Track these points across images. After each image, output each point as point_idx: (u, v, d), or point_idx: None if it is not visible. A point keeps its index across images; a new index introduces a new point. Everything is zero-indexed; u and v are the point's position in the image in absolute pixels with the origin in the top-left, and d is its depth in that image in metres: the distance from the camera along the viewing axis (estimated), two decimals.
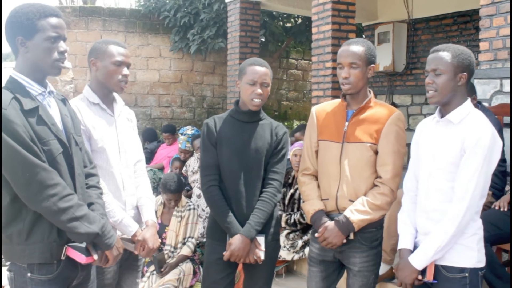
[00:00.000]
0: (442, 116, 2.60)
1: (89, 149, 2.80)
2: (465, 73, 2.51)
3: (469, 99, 2.59)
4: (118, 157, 2.96)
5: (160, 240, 3.21)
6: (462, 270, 2.50)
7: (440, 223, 2.50)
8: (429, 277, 2.54)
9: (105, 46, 2.93)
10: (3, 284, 3.60)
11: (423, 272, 2.56)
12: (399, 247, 2.73)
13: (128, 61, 2.98)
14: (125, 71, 2.94)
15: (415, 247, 2.65)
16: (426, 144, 2.66)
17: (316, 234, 2.92)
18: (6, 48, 2.39)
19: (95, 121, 2.89)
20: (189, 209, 4.99)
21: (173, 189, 4.89)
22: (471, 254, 2.50)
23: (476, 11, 6.04)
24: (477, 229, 2.54)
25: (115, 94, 3.06)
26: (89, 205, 2.42)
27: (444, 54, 2.53)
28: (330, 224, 2.88)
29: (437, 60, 2.54)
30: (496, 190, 3.75)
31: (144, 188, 3.13)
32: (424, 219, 2.62)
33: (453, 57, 2.51)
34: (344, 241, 2.87)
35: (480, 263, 2.52)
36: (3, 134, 2.10)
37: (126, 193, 2.99)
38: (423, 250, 2.54)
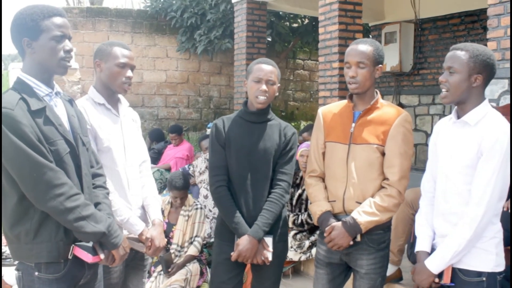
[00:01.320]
0: (458, 117, 2.56)
1: (95, 149, 2.82)
2: (481, 75, 2.46)
3: (486, 100, 2.54)
4: (124, 157, 2.98)
5: (166, 239, 3.22)
6: (479, 274, 2.46)
7: (457, 227, 2.46)
8: (446, 280, 2.51)
9: (109, 48, 2.95)
10: (11, 283, 3.62)
11: (440, 275, 2.53)
12: (416, 249, 2.70)
13: (132, 63, 3.00)
14: (129, 73, 2.96)
15: (432, 249, 2.62)
16: (443, 146, 2.62)
17: (325, 234, 2.92)
18: (15, 49, 2.41)
19: (101, 121, 2.92)
20: (196, 209, 5.01)
21: (179, 186, 4.91)
22: (489, 258, 2.46)
23: (483, 11, 6.02)
24: (496, 233, 2.49)
25: (119, 95, 3.08)
26: (96, 204, 2.43)
27: (461, 53, 2.48)
28: (337, 225, 2.87)
29: (453, 59, 2.50)
30: None
31: (149, 187, 3.15)
32: (442, 221, 2.59)
33: (470, 57, 2.46)
34: (351, 242, 2.86)
35: (498, 267, 2.48)
36: (10, 135, 2.11)
37: (132, 193, 3.00)
38: (440, 254, 2.51)
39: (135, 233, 2.94)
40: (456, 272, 2.50)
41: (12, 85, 2.30)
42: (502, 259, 2.51)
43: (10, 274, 2.35)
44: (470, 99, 2.50)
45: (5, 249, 4.62)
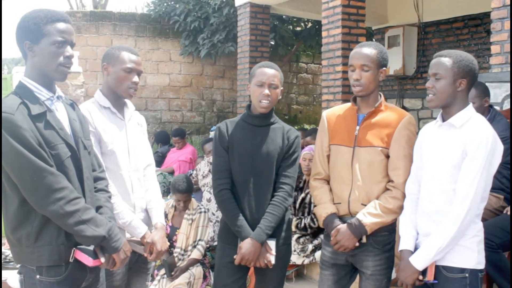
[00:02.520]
0: (444, 120, 2.67)
1: (99, 152, 2.83)
2: (465, 79, 2.58)
3: (471, 104, 2.66)
4: (128, 160, 2.98)
5: (168, 243, 3.22)
6: (462, 270, 2.54)
7: (441, 224, 2.54)
8: (429, 277, 2.58)
9: (117, 52, 2.96)
10: (15, 286, 3.62)
11: (424, 272, 2.61)
12: (400, 248, 2.76)
13: (139, 68, 3.00)
14: (135, 78, 2.97)
15: (415, 249, 2.69)
16: (429, 148, 2.70)
17: (331, 237, 2.92)
18: (19, 53, 2.42)
19: (106, 124, 2.92)
20: (200, 212, 5.01)
21: (182, 189, 4.91)
22: (471, 255, 2.55)
23: (487, 14, 6.01)
24: (477, 231, 2.58)
25: (126, 99, 3.08)
26: (98, 208, 2.44)
27: (445, 60, 2.61)
28: (342, 227, 2.88)
29: (438, 65, 2.63)
30: (508, 194, 3.71)
31: (153, 191, 3.15)
32: (426, 221, 2.66)
33: (454, 63, 2.58)
34: (357, 244, 2.87)
35: (479, 264, 2.57)
36: (10, 139, 2.12)
37: (135, 196, 3.01)
38: (425, 251, 2.59)
39: (137, 236, 2.94)
40: (439, 270, 2.58)
41: (14, 89, 2.31)
42: (483, 258, 2.60)
43: (13, 277, 2.35)
44: (455, 103, 2.62)
45: (8, 252, 4.63)
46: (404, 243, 2.74)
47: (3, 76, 9.22)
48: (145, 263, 3.15)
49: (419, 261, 2.59)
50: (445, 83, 2.59)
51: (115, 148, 2.92)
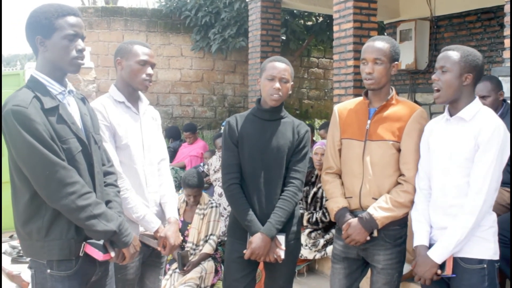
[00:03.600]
0: (451, 115, 2.68)
1: (113, 146, 2.84)
2: (471, 74, 2.61)
3: (477, 98, 2.68)
4: (142, 155, 2.99)
5: (182, 238, 3.22)
6: (480, 261, 2.56)
7: (458, 217, 2.56)
8: (448, 271, 2.59)
9: (130, 46, 2.98)
10: (29, 281, 3.65)
11: (442, 266, 2.61)
12: (414, 244, 2.76)
13: (153, 61, 3.02)
14: (149, 70, 2.98)
15: (430, 244, 2.71)
16: (439, 143, 2.71)
17: (342, 230, 2.92)
18: (30, 49, 2.43)
19: (120, 119, 2.93)
20: (212, 207, 5.02)
21: (192, 184, 4.92)
22: (489, 246, 2.58)
23: (500, 8, 5.96)
24: (493, 222, 2.62)
25: (140, 93, 3.10)
26: (107, 202, 2.45)
27: (452, 53, 2.64)
28: (353, 221, 2.89)
29: (445, 58, 2.66)
30: None
31: (167, 186, 3.16)
32: (441, 215, 2.67)
33: (461, 57, 2.62)
34: (368, 238, 2.87)
35: (496, 255, 2.59)
36: (23, 133, 2.12)
37: (149, 190, 3.01)
38: (443, 244, 2.60)
39: (150, 230, 2.95)
40: (457, 262, 2.60)
41: (26, 83, 2.32)
42: (498, 248, 2.62)
43: (28, 271, 2.37)
44: (462, 97, 2.65)
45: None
46: (419, 238, 2.75)
47: (15, 71, 9.28)
48: (159, 257, 3.16)
49: (437, 255, 2.61)
50: (451, 76, 2.62)
51: (129, 142, 2.93)
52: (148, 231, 2.97)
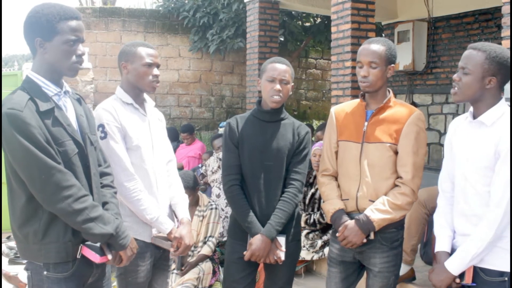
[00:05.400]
0: (474, 117, 2.54)
1: (124, 148, 2.83)
2: (495, 77, 2.42)
3: (503, 99, 2.50)
4: (152, 156, 2.98)
5: (197, 240, 3.20)
6: (501, 274, 2.43)
7: (477, 228, 2.44)
8: (467, 280, 2.49)
9: (134, 49, 2.94)
10: (25, 281, 3.64)
11: (462, 275, 2.51)
12: (436, 249, 2.67)
13: (158, 61, 2.99)
14: (156, 71, 2.96)
15: (452, 249, 2.61)
16: (459, 146, 2.60)
17: (337, 234, 2.92)
18: (28, 50, 2.40)
19: (130, 120, 2.91)
20: (211, 209, 5.01)
21: (185, 186, 4.90)
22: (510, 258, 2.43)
23: (498, 9, 5.96)
24: None
25: (145, 94, 3.08)
26: (104, 204, 2.44)
27: (477, 54, 2.45)
28: (350, 223, 2.87)
29: (468, 59, 2.47)
30: None
31: (177, 187, 3.15)
32: (464, 221, 2.56)
33: (485, 59, 2.42)
34: (364, 240, 2.86)
35: None
36: (19, 137, 2.11)
37: (160, 191, 2.99)
38: (460, 255, 2.49)
39: (164, 232, 2.92)
40: (477, 272, 2.48)
41: (21, 84, 2.29)
42: None
43: (25, 272, 2.37)
44: (485, 99, 2.48)
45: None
46: (441, 244, 2.65)
47: (13, 72, 9.26)
48: (167, 260, 3.14)
49: (454, 266, 2.50)
50: (471, 79, 2.43)
51: (140, 143, 2.91)
52: (160, 233, 2.94)
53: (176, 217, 3.10)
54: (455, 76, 2.52)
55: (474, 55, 2.45)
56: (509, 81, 2.52)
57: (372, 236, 2.87)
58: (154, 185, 2.96)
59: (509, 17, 4.26)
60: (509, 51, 2.48)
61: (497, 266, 2.44)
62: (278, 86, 3.02)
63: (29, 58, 24.36)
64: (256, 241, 2.97)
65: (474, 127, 2.53)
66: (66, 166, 2.22)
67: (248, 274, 3.12)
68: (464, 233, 2.54)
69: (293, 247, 3.15)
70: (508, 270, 2.42)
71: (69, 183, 2.20)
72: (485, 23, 8.41)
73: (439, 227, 2.70)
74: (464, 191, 2.55)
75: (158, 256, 3.02)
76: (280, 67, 3.06)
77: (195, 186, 5.00)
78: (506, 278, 2.42)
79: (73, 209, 2.19)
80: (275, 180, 3.06)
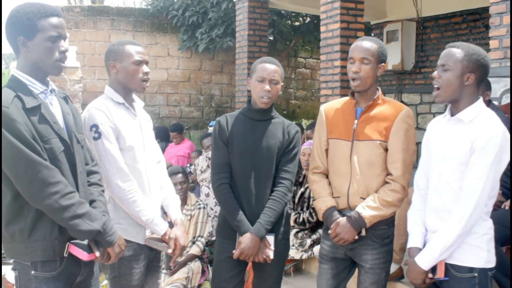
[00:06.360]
0: (452, 115, 2.59)
1: (117, 148, 2.80)
2: (473, 74, 2.49)
3: (481, 99, 2.56)
4: (144, 156, 2.94)
5: (189, 239, 3.19)
6: (471, 269, 2.48)
7: (446, 222, 2.49)
8: (440, 275, 2.52)
9: (122, 48, 2.90)
10: (12, 281, 3.61)
11: (434, 270, 2.54)
12: (408, 245, 2.71)
13: (146, 58, 2.96)
14: (145, 68, 2.93)
15: (424, 246, 2.64)
16: (436, 143, 2.64)
17: (329, 231, 2.93)
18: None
19: (123, 120, 2.88)
20: (199, 208, 4.99)
21: (176, 170, 4.91)
22: (480, 254, 2.48)
23: (485, 9, 6.00)
24: (487, 229, 2.52)
25: (133, 94, 3.04)
26: (91, 202, 2.43)
27: (456, 51, 2.52)
28: (342, 220, 2.89)
29: (447, 56, 2.54)
30: (506, 189, 3.71)
31: (168, 188, 3.12)
32: (434, 217, 2.61)
33: (464, 56, 2.49)
34: (356, 237, 2.87)
35: (490, 263, 2.50)
36: (5, 133, 2.10)
37: (152, 192, 2.97)
38: (429, 250, 2.53)
39: (158, 234, 2.90)
40: (448, 268, 2.52)
41: (7, 83, 2.29)
42: (493, 256, 2.53)
43: (12, 272, 2.35)
44: (464, 97, 2.53)
45: None
46: (413, 240, 2.69)
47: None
48: (158, 261, 3.11)
49: (424, 261, 2.53)
50: (451, 75, 2.50)
51: (133, 143, 2.87)
52: (154, 234, 2.92)
53: (168, 218, 3.08)
54: (434, 74, 2.58)
55: (453, 52, 2.52)
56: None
57: (363, 233, 2.88)
58: (147, 185, 2.93)
59: (496, 18, 4.29)
60: (484, 51, 2.56)
61: (467, 262, 2.48)
62: (267, 87, 3.01)
63: (15, 58, 24.18)
64: (245, 240, 2.96)
65: (452, 124, 2.58)
66: (52, 163, 2.22)
67: (237, 274, 3.12)
68: (435, 230, 2.58)
69: (282, 246, 3.15)
70: (478, 266, 2.47)
71: (56, 179, 2.19)
72: (473, 23, 8.48)
73: (412, 223, 2.74)
74: (438, 187, 2.59)
75: (152, 258, 3.00)
76: (270, 67, 3.05)
77: (185, 173, 5.02)
78: (476, 274, 2.47)
79: (60, 205, 2.18)
80: (265, 179, 3.06)
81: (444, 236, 2.47)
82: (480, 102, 2.55)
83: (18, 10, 2.26)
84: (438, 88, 2.57)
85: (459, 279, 2.50)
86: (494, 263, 2.53)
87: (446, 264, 2.52)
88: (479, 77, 2.52)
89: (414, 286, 2.67)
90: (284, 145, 3.10)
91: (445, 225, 2.48)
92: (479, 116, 2.50)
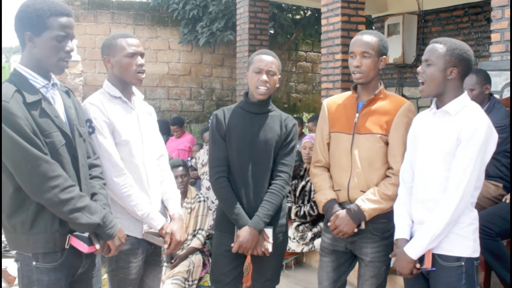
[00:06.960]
0: (438, 108, 2.64)
1: (113, 142, 2.79)
2: (456, 68, 2.56)
3: (465, 92, 2.63)
4: (141, 150, 2.93)
5: (186, 234, 3.19)
6: (458, 259, 2.52)
7: (435, 211, 2.53)
8: (427, 265, 2.56)
9: (114, 41, 2.89)
10: (15, 275, 3.62)
11: (421, 260, 2.59)
12: (395, 237, 2.75)
13: (141, 50, 2.94)
14: (140, 60, 2.91)
15: (411, 237, 2.68)
16: (423, 134, 2.69)
17: (329, 223, 2.94)
18: (18, 42, 2.39)
19: (118, 114, 2.87)
20: (199, 201, 5.00)
21: (177, 163, 4.93)
22: (467, 244, 2.53)
23: (487, 2, 5.99)
24: (473, 219, 2.57)
25: (133, 87, 3.03)
26: (92, 195, 2.45)
27: (439, 46, 2.59)
28: (341, 212, 2.90)
29: (430, 51, 2.60)
30: (507, 182, 3.72)
31: (168, 182, 3.11)
32: (421, 209, 2.65)
33: (447, 51, 2.56)
34: (356, 230, 2.88)
35: (475, 253, 2.56)
36: (5, 127, 2.11)
37: (151, 186, 2.95)
38: (418, 239, 2.57)
39: (155, 228, 2.89)
40: (435, 258, 2.57)
41: (9, 76, 2.29)
42: (478, 246, 2.58)
43: (13, 265, 2.37)
44: (448, 91, 2.60)
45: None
46: (400, 232, 2.73)
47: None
48: (158, 255, 3.11)
49: (413, 251, 2.57)
50: (435, 70, 2.57)
51: (129, 138, 2.86)
52: (152, 229, 2.91)
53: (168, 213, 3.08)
54: (419, 69, 2.65)
55: (436, 47, 2.59)
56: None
57: (363, 226, 2.90)
58: (145, 180, 2.92)
59: (498, 11, 4.28)
60: (467, 46, 2.62)
61: (454, 252, 2.53)
62: (264, 77, 3.01)
63: (16, 51, 24.19)
64: (243, 233, 2.97)
65: (438, 116, 2.63)
66: (53, 157, 2.23)
67: (235, 267, 3.12)
68: (421, 221, 2.62)
69: (281, 239, 3.16)
70: (465, 255, 2.52)
71: (56, 173, 2.20)
72: (474, 16, 8.45)
73: (398, 216, 2.77)
74: (424, 178, 2.63)
75: (150, 252, 3.00)
76: (267, 58, 3.06)
77: (186, 165, 5.04)
78: (463, 263, 2.52)
79: (59, 199, 2.20)
80: (263, 172, 3.07)
81: (432, 226, 2.51)
82: (465, 95, 2.61)
83: (28, 5, 2.26)
84: (423, 83, 2.63)
85: (446, 269, 2.54)
86: (479, 253, 2.59)
87: (433, 254, 2.57)
88: (461, 71, 2.58)
89: (402, 276, 2.69)
90: (281, 138, 3.10)
91: (433, 215, 2.53)
92: (464, 108, 2.56)
